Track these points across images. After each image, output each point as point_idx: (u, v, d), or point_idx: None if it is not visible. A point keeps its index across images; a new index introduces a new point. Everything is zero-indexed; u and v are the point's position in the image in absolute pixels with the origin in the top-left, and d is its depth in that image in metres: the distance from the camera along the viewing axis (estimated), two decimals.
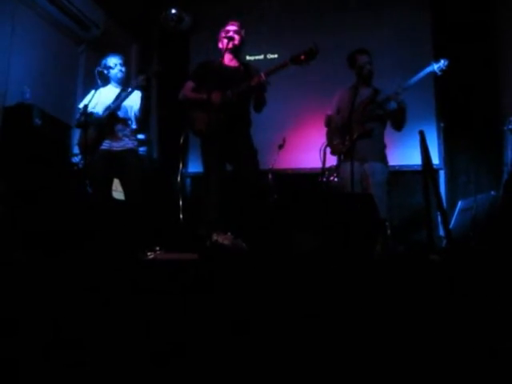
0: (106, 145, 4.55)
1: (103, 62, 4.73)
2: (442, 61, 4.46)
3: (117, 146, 4.57)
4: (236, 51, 4.23)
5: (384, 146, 4.64)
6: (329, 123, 4.85)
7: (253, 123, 4.27)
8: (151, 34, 7.73)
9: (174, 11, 7.16)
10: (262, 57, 7.33)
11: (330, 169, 5.54)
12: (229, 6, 7.23)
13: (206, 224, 3.89)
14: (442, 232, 5.45)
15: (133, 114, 4.67)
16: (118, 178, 4.74)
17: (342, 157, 4.65)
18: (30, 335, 2.35)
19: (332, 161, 5.05)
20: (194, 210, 4.88)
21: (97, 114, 4.55)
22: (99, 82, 4.52)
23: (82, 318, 2.38)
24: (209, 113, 3.67)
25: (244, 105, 4.14)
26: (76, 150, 5.39)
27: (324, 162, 5.15)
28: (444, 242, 4.64)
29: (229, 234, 3.74)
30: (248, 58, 6.62)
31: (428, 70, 4.47)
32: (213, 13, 7.30)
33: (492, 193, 5.19)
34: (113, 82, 4.75)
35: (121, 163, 4.57)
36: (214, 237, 3.59)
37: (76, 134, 5.46)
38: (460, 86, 6.68)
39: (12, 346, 2.31)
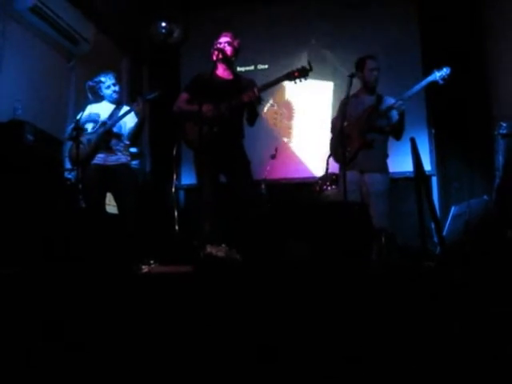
0: (99, 159, 4.58)
1: (95, 80, 4.75)
2: (445, 69, 4.42)
3: (110, 160, 4.61)
4: (229, 62, 4.24)
5: (385, 156, 4.64)
6: (333, 129, 4.81)
7: (245, 134, 4.29)
8: (141, 48, 7.73)
9: (163, 24, 7.19)
10: (252, 67, 7.35)
11: (324, 177, 5.56)
12: (219, 18, 7.24)
13: (200, 236, 3.89)
14: (436, 238, 5.46)
15: (126, 131, 4.71)
16: (111, 192, 4.77)
17: (342, 166, 4.64)
18: (19, 352, 2.34)
19: (334, 168, 5.06)
20: (188, 223, 4.88)
21: (92, 129, 4.60)
22: (90, 96, 4.53)
23: (76, 332, 2.37)
24: (201, 125, 3.68)
25: (237, 117, 4.16)
26: (67, 164, 5.41)
27: (327, 170, 5.14)
28: (438, 248, 4.65)
29: (223, 245, 3.74)
30: (239, 68, 6.62)
31: (430, 79, 4.44)
32: (203, 24, 7.32)
33: (485, 197, 5.20)
34: (107, 99, 4.79)
35: (114, 177, 4.60)
36: (208, 249, 3.59)
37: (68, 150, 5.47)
38: (450, 91, 6.68)
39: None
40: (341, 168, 4.66)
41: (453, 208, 5.60)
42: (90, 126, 4.66)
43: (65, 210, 4.87)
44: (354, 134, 4.42)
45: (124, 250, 3.09)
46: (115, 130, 4.63)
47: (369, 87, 4.59)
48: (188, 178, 6.87)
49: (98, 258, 2.89)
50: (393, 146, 5.36)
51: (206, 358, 2.22)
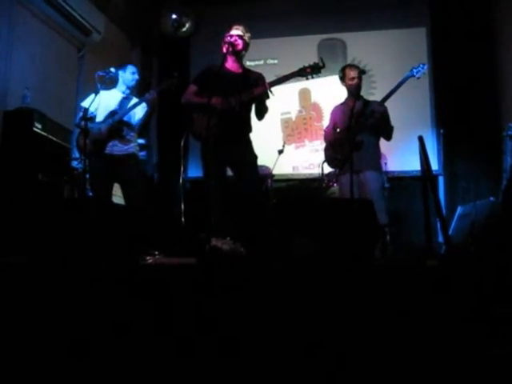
0: (108, 149, 4.59)
1: (119, 68, 4.81)
2: (421, 65, 4.67)
3: (119, 150, 4.63)
4: (239, 56, 4.23)
5: (378, 156, 4.77)
6: (326, 139, 4.97)
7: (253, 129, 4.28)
8: (152, 40, 7.73)
9: (174, 16, 7.18)
10: (261, 62, 7.35)
11: (329, 174, 5.57)
12: (229, 11, 7.23)
13: (206, 229, 3.89)
14: (441, 238, 5.45)
15: (135, 121, 4.73)
16: (118, 182, 4.77)
17: (338, 171, 4.81)
18: (27, 340, 2.35)
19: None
20: (194, 215, 4.87)
21: (103, 118, 4.62)
22: (99, 86, 4.53)
23: (80, 322, 2.38)
24: (209, 117, 3.67)
25: (245, 112, 4.15)
26: (75, 153, 5.42)
27: (322, 174, 5.26)
28: (443, 248, 4.64)
29: (228, 238, 3.74)
30: (248, 63, 6.62)
31: (407, 75, 4.65)
32: (213, 17, 7.32)
33: (491, 199, 5.18)
34: (119, 87, 4.82)
35: (122, 168, 4.62)
36: (213, 241, 3.59)
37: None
38: (459, 91, 6.69)
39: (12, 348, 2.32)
40: (338, 173, 4.83)
41: (459, 208, 5.59)
42: (101, 115, 4.67)
43: (71, 199, 4.90)
44: (345, 138, 4.53)
45: (129, 240, 3.09)
46: (125, 119, 4.65)
47: (353, 94, 4.70)
48: (195, 171, 6.87)
49: (103, 248, 2.89)
50: (400, 145, 5.38)
51: (208, 350, 2.23)
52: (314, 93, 7.27)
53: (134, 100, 4.72)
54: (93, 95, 4.62)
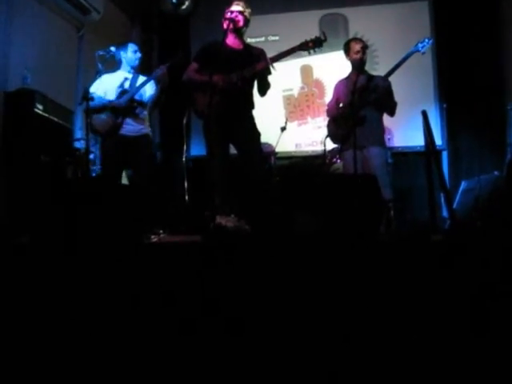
0: (122, 129, 4.60)
1: (119, 48, 4.80)
2: (426, 40, 4.62)
3: (133, 130, 4.64)
4: (239, 32, 4.19)
5: (382, 131, 4.74)
6: (328, 114, 4.95)
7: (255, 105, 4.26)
8: (151, 18, 7.67)
9: None
10: (263, 39, 7.28)
11: (332, 151, 5.55)
12: None
13: (210, 206, 3.89)
14: (445, 213, 5.45)
15: (146, 99, 4.72)
16: (129, 163, 4.79)
17: (341, 146, 4.81)
18: (34, 324, 2.37)
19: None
20: (198, 193, 4.86)
21: (115, 98, 4.62)
22: (100, 65, 4.51)
23: (87, 303, 2.39)
24: (211, 95, 3.65)
25: (247, 88, 4.13)
26: (79, 134, 5.41)
27: (325, 151, 5.24)
28: (447, 222, 4.64)
29: (232, 216, 3.75)
30: (249, 40, 6.56)
31: (412, 50, 4.60)
32: None
33: (495, 173, 5.17)
34: (124, 68, 4.80)
35: (135, 149, 4.63)
36: (218, 219, 3.60)
37: (78, 119, 5.47)
38: (462, 65, 6.64)
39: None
40: (340, 148, 4.84)
41: (463, 183, 5.57)
42: (111, 95, 4.65)
43: (74, 179, 4.90)
44: (348, 113, 4.52)
45: (134, 219, 3.10)
46: (137, 97, 4.64)
47: (357, 68, 4.68)
48: (197, 149, 6.86)
49: (107, 228, 2.89)
50: (403, 120, 5.35)
51: (212, 330, 2.23)
52: (316, 69, 7.20)
53: (142, 78, 4.71)
54: (99, 79, 4.68)
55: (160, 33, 7.77)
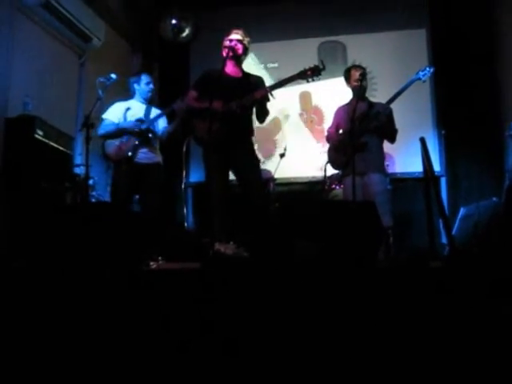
0: (138, 156, 4.72)
1: (133, 79, 4.99)
2: (428, 68, 4.66)
3: (147, 158, 4.76)
4: (238, 60, 4.24)
5: (382, 158, 4.77)
6: (328, 140, 4.97)
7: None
8: (152, 45, 7.75)
9: (174, 22, 7.19)
10: (262, 66, 7.35)
11: (332, 177, 5.57)
12: (229, 15, 7.25)
13: (209, 233, 3.89)
14: (444, 239, 5.44)
15: (158, 130, 4.88)
16: (140, 190, 4.87)
17: (341, 173, 4.84)
18: (28, 348, 2.36)
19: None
20: (197, 220, 4.86)
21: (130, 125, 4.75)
22: (100, 92, 4.54)
23: (83, 327, 2.38)
24: (210, 122, 3.67)
25: (246, 115, 4.15)
26: (79, 160, 5.43)
27: (325, 177, 5.25)
28: (446, 249, 4.63)
29: (231, 243, 3.74)
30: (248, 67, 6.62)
31: (413, 78, 4.63)
32: (213, 22, 7.31)
33: (494, 199, 5.17)
34: (137, 98, 4.95)
35: (146, 176, 4.74)
36: (217, 246, 3.59)
37: (78, 145, 5.49)
38: (459, 92, 6.69)
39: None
40: (342, 175, 4.85)
41: (461, 209, 5.57)
42: (124, 122, 4.79)
43: (74, 205, 4.90)
44: (348, 140, 4.54)
45: (132, 245, 3.09)
46: (151, 128, 4.81)
47: (358, 95, 4.71)
48: (197, 175, 6.87)
49: (106, 254, 2.89)
50: (402, 147, 5.37)
51: (212, 355, 2.22)
52: (315, 95, 7.27)
53: (155, 109, 4.90)
54: (112, 107, 4.83)
55: (160, 60, 7.84)
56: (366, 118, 4.55)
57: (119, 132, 4.71)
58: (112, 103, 4.92)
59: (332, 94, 6.56)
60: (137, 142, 4.67)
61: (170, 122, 4.90)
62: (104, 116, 4.82)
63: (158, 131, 4.85)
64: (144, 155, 4.73)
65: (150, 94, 4.98)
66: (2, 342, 2.38)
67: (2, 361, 2.33)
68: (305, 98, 7.30)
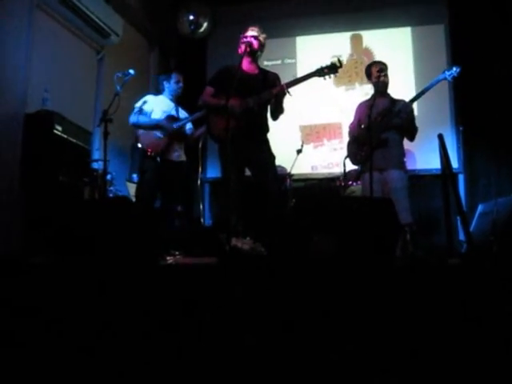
0: (168, 154, 4.87)
1: (163, 77, 5.16)
2: (454, 68, 4.59)
3: (177, 156, 4.93)
4: (255, 57, 4.23)
5: (402, 154, 4.72)
6: (350, 133, 4.96)
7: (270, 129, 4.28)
8: (169, 41, 7.77)
9: (191, 18, 7.20)
10: (279, 62, 7.33)
11: (349, 173, 5.54)
12: (246, 11, 7.24)
13: (226, 229, 3.89)
14: (462, 236, 5.40)
15: (185, 131, 5.04)
16: (165, 186, 4.95)
17: (360, 168, 4.82)
18: (42, 343, 2.38)
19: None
20: (213, 215, 4.87)
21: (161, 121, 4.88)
22: (118, 87, 4.56)
23: (100, 321, 2.40)
24: (227, 118, 3.67)
25: (262, 111, 4.15)
26: (97, 155, 5.47)
27: (344, 172, 5.23)
28: (464, 246, 4.60)
29: (248, 238, 3.74)
30: (265, 63, 6.61)
31: (439, 78, 4.60)
32: (230, 18, 7.33)
33: None
34: (166, 95, 5.09)
35: (174, 173, 4.88)
36: (234, 241, 3.59)
37: (96, 140, 5.53)
38: (478, 88, 6.62)
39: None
40: (361, 170, 4.83)
41: (480, 206, 5.52)
42: (156, 116, 4.91)
43: (91, 200, 4.94)
44: (371, 135, 4.48)
45: (150, 240, 3.11)
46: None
47: (380, 91, 4.70)
48: (213, 171, 6.88)
49: (123, 249, 2.91)
50: (420, 143, 5.33)
51: (226, 349, 2.23)
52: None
53: (181, 111, 5.05)
54: (144, 98, 4.99)
55: (177, 55, 7.86)
56: (387, 115, 4.53)
57: (153, 126, 4.82)
58: (132, 98, 5.03)
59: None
60: (170, 141, 4.82)
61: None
62: (137, 105, 4.94)
63: (186, 131, 5.00)
64: (175, 153, 4.88)
65: (179, 91, 5.08)
66: (19, 336, 2.40)
67: (18, 355, 2.35)
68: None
